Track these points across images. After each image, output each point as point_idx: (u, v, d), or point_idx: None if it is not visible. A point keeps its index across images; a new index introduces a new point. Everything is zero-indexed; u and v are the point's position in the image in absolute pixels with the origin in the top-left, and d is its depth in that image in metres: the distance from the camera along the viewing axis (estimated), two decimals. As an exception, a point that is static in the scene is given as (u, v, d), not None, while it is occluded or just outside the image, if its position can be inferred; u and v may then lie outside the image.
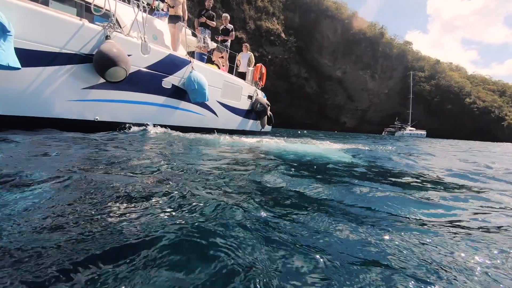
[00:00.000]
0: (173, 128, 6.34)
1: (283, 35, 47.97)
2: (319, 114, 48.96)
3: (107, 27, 4.67)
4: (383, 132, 47.84)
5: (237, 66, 9.84)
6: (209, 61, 9.26)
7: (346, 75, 52.62)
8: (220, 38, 8.80)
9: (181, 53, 6.95)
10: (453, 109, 55.69)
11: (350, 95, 53.48)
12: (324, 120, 48.54)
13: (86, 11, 5.46)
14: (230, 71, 9.38)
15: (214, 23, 7.95)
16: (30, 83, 4.01)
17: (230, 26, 8.81)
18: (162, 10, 7.66)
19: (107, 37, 4.65)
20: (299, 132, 17.07)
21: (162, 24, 7.09)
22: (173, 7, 6.87)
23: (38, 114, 4.22)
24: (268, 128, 11.20)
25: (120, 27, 5.36)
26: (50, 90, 4.26)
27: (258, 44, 42.36)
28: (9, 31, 3.36)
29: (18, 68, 3.61)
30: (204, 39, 7.86)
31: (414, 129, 48.60)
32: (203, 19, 7.81)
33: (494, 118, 57.90)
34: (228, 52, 8.85)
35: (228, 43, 8.82)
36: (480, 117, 57.08)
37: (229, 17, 9.01)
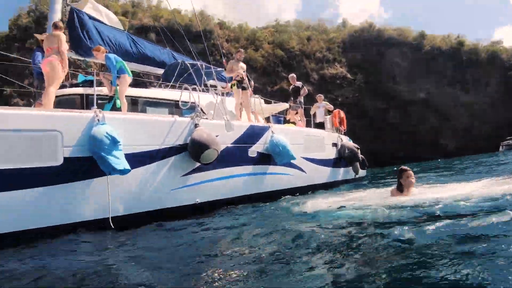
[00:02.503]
0: (264, 194, 6.26)
1: (348, 75, 47.40)
2: (411, 142, 44.17)
3: (194, 117, 5.15)
4: (500, 147, 39.87)
5: (313, 117, 9.79)
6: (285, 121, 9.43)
7: (431, 95, 47.65)
8: (291, 103, 9.03)
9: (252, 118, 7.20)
10: None
11: (444, 114, 47.50)
12: (419, 148, 43.39)
13: (176, 108, 6.19)
14: (308, 125, 9.34)
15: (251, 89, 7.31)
16: (138, 181, 4.48)
17: (299, 83, 9.07)
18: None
19: (196, 125, 5.09)
20: (395, 168, 15.29)
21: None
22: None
23: (148, 208, 4.60)
24: (362, 172, 10.42)
25: (205, 114, 5.87)
26: (155, 184, 4.68)
27: (326, 92, 42.70)
28: (119, 141, 3.91)
29: (129, 171, 4.08)
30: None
31: (542, 133, 39.40)
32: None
33: None
34: (303, 107, 8.92)
35: (302, 99, 8.92)
36: None
37: (295, 76, 9.29)
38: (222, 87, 6.97)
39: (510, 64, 50.60)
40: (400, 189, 4.18)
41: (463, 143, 46.13)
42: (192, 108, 5.48)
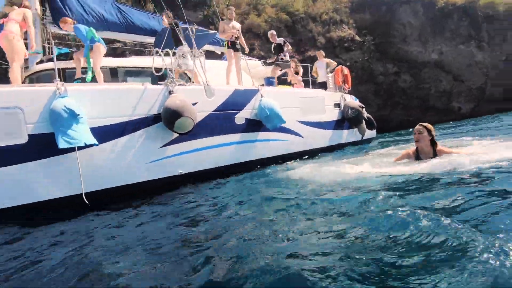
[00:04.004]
0: (256, 162, 6.01)
1: (357, 37, 45.21)
2: (422, 107, 42.81)
3: (168, 83, 4.79)
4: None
5: (313, 77, 9.15)
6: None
7: (444, 55, 45.43)
8: (272, 59, 8.30)
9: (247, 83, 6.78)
10: None
11: (457, 75, 45.52)
12: (431, 112, 42.08)
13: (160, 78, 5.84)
14: (308, 85, 8.78)
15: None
16: (111, 155, 4.26)
17: (280, 40, 8.12)
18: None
19: (170, 92, 4.75)
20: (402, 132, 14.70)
21: (223, 65, 7.15)
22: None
23: (125, 182, 4.41)
24: (371, 133, 9.88)
25: (188, 78, 5.51)
26: (131, 157, 4.45)
27: (333, 55, 40.94)
28: (78, 114, 3.66)
29: (96, 144, 3.85)
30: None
31: None
32: None
33: None
34: (296, 66, 8.22)
35: (287, 57, 8.11)
36: None
37: (275, 32, 8.38)
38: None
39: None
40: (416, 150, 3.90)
41: (477, 105, 44.25)
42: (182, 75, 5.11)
